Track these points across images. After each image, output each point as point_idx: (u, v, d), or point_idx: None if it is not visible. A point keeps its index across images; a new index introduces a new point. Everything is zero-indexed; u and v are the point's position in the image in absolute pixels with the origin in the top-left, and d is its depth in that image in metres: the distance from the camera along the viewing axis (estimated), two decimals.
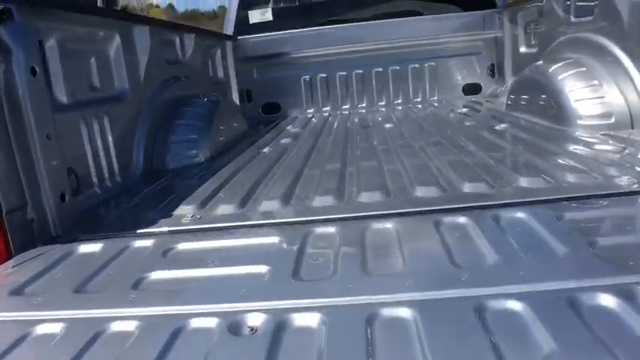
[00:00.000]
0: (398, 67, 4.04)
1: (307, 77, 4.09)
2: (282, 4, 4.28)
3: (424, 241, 1.17)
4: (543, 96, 2.63)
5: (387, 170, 1.86)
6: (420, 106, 3.96)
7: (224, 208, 1.56)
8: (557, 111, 2.44)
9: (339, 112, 4.06)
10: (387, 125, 3.11)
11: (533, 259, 1.01)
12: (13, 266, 1.30)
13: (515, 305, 0.83)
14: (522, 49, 3.58)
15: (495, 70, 4.00)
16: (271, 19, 4.05)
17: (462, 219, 1.26)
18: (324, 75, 4.08)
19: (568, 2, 2.71)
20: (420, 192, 1.51)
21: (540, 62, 2.87)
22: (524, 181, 1.51)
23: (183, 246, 1.29)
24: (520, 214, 1.25)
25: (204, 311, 0.92)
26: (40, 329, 0.94)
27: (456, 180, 1.60)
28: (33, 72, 1.43)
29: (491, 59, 4.00)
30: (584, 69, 2.42)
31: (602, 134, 2.11)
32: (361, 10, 4.21)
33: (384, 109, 4.00)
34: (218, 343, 0.83)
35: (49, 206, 1.48)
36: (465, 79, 4.09)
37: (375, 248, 1.15)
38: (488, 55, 4.00)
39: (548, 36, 3.01)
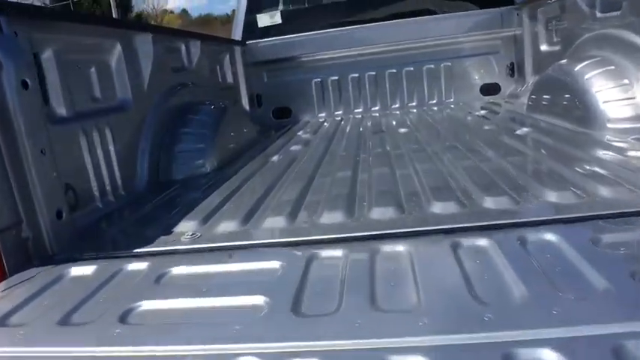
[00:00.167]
0: (412, 69, 3.91)
1: (318, 80, 3.99)
2: (291, 7, 4.20)
3: (441, 268, 1.05)
4: (568, 96, 2.47)
5: (401, 182, 1.74)
6: (435, 108, 3.82)
7: (226, 225, 1.47)
8: (583, 113, 2.29)
9: (351, 115, 3.95)
10: (402, 130, 2.98)
11: (569, 294, 0.88)
12: (4, 290, 1.24)
13: (550, 356, 0.71)
14: (543, 48, 3.41)
15: (515, 70, 3.84)
16: (280, 22, 3.96)
17: (483, 241, 1.13)
18: (336, 78, 3.98)
19: None
20: (437, 208, 1.39)
21: (564, 61, 2.71)
22: (551, 195, 1.37)
23: (178, 270, 1.21)
24: (549, 236, 1.11)
25: (193, 353, 0.82)
26: None
27: (476, 193, 1.47)
28: (25, 85, 1.37)
29: (510, 58, 3.83)
30: (613, 67, 2.26)
31: (633, 139, 1.95)
32: (373, 11, 4.09)
33: (398, 112, 3.87)
34: None
35: (45, 224, 1.42)
36: (482, 80, 3.93)
37: (385, 276, 1.04)
38: (507, 54, 3.83)
39: (571, 33, 2.85)
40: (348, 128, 3.38)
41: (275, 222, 1.45)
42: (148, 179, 2.14)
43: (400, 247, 1.16)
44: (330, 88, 4.00)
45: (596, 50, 2.51)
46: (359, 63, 3.93)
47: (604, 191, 1.35)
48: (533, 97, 2.96)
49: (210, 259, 1.25)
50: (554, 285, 0.92)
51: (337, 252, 1.18)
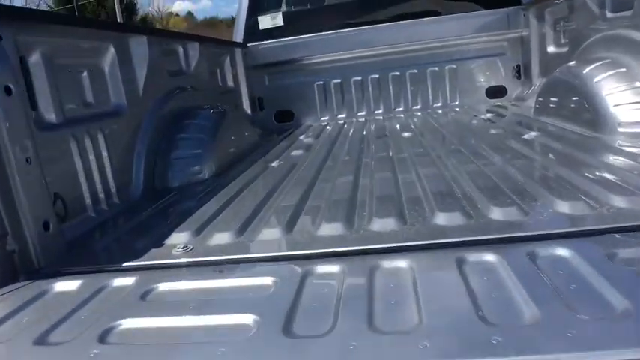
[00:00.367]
0: (416, 71, 3.83)
1: (321, 83, 3.93)
2: (293, 9, 4.14)
3: (445, 286, 0.98)
4: (576, 99, 2.39)
5: (404, 190, 1.67)
6: (440, 111, 3.74)
7: (220, 237, 1.41)
8: (593, 116, 2.21)
9: (354, 119, 3.88)
10: (406, 134, 2.91)
11: (584, 314, 0.81)
12: None
13: None
14: (551, 49, 3.32)
15: (522, 72, 3.75)
16: (282, 24, 3.91)
17: (490, 256, 1.06)
18: (339, 80, 3.91)
19: None
20: (441, 219, 1.32)
21: (573, 63, 2.63)
22: (562, 206, 1.29)
23: (166, 286, 1.14)
24: (562, 251, 1.04)
25: None
26: None
27: (482, 203, 1.40)
28: (7, 91, 1.31)
29: (516, 60, 3.75)
30: (624, 70, 2.18)
31: None
32: (376, 12, 4.02)
33: (402, 115, 3.79)
34: None
35: (31, 236, 1.36)
36: (488, 82, 3.85)
37: (385, 294, 0.97)
38: (514, 56, 3.75)
39: (580, 34, 2.77)
40: (351, 132, 3.31)
41: (271, 234, 1.38)
42: (144, 187, 2.08)
43: (401, 263, 1.09)
44: (333, 91, 3.93)
45: (606, 52, 2.42)
46: (362, 65, 3.86)
47: (618, 201, 1.28)
48: (541, 99, 2.87)
49: (201, 274, 1.18)
50: (568, 304, 0.85)
51: (334, 267, 1.11)
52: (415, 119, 3.51)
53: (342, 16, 4.04)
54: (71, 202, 1.63)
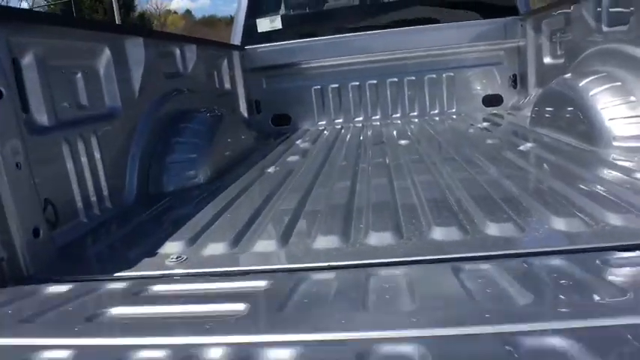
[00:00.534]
0: (414, 78, 3.84)
1: (318, 88, 3.92)
2: (292, 12, 4.12)
3: (439, 285, 1.01)
4: (572, 111, 2.40)
5: (400, 198, 1.67)
6: (437, 118, 3.75)
7: (214, 248, 1.39)
8: (588, 129, 2.22)
9: (351, 124, 3.88)
10: (402, 142, 2.90)
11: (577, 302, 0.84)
12: None
13: (560, 343, 0.67)
14: (547, 60, 3.34)
15: (518, 81, 3.77)
16: (280, 27, 3.89)
17: (485, 265, 1.06)
18: (336, 85, 3.91)
19: (599, 9, 2.47)
20: (437, 233, 1.31)
21: (569, 75, 2.64)
22: (558, 222, 1.29)
23: (158, 296, 1.12)
24: (558, 267, 1.03)
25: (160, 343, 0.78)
26: None
27: (479, 217, 1.39)
28: None
29: (513, 69, 3.77)
30: (619, 84, 2.19)
31: None
32: (375, 18, 4.02)
33: (399, 121, 3.80)
34: None
35: (20, 243, 1.33)
36: (485, 90, 3.87)
37: (379, 291, 0.98)
38: (510, 65, 3.76)
39: (576, 46, 2.78)
40: (348, 137, 3.31)
41: (266, 246, 1.37)
42: (138, 191, 2.06)
43: (397, 272, 1.09)
44: (331, 95, 3.93)
45: (601, 65, 2.44)
46: (360, 71, 3.86)
47: (613, 219, 1.28)
48: (537, 109, 2.89)
49: (193, 283, 1.17)
50: (564, 296, 0.87)
51: (330, 275, 1.11)
52: (412, 126, 3.51)
53: (341, 21, 4.04)
54: (62, 206, 1.60)
